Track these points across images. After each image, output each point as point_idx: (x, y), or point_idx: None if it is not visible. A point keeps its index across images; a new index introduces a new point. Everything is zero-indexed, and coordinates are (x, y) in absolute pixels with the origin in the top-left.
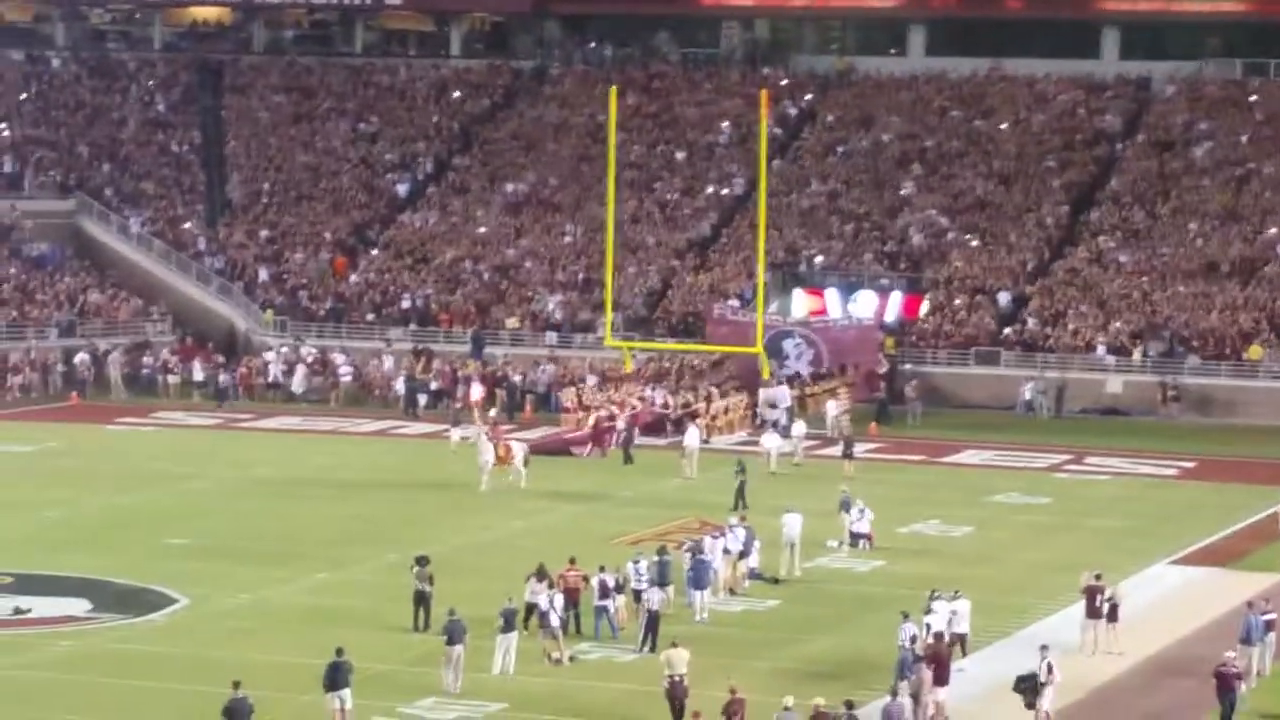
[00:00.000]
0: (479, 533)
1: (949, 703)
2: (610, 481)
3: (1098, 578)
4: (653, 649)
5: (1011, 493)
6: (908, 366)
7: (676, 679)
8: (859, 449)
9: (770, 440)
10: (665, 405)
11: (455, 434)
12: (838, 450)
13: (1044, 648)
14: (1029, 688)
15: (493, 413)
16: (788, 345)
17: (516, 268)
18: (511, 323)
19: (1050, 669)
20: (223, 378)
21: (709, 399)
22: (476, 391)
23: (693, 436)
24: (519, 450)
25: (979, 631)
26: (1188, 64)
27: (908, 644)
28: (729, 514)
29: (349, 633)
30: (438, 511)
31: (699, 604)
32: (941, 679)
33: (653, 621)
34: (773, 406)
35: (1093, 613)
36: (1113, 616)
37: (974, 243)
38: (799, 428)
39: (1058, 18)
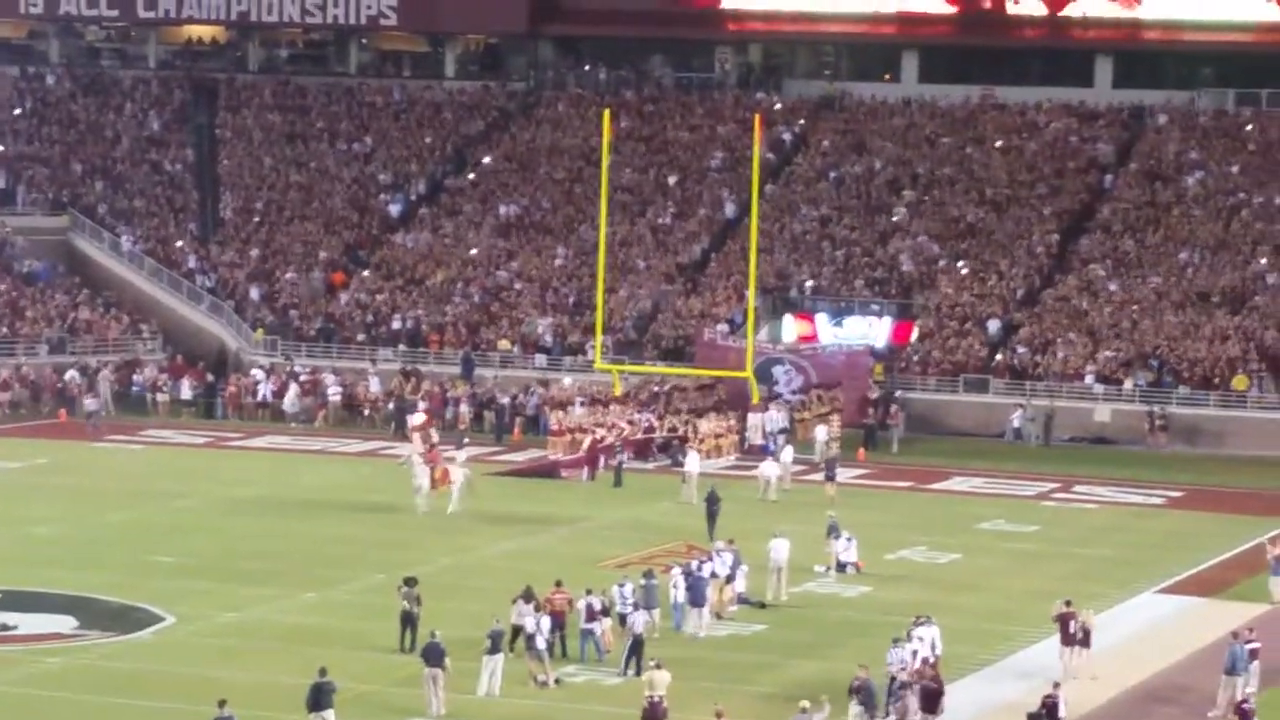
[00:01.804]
0: (466, 554)
1: None
2: (599, 504)
3: (1068, 604)
4: (637, 673)
5: (999, 520)
6: (900, 393)
7: (656, 699)
8: (847, 474)
9: (769, 468)
10: (652, 429)
11: (459, 456)
12: (822, 474)
13: (1056, 685)
14: None
15: (435, 435)
16: (778, 371)
17: (507, 290)
18: (504, 345)
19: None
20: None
21: (692, 423)
22: (419, 417)
23: (694, 461)
24: (459, 474)
25: (964, 659)
26: (1180, 93)
27: (897, 669)
28: (712, 539)
29: (335, 652)
30: (425, 533)
31: (700, 621)
32: (932, 708)
33: (636, 645)
34: (766, 431)
35: (1067, 639)
36: (1085, 642)
37: (964, 269)
38: (788, 453)
39: (1051, 46)
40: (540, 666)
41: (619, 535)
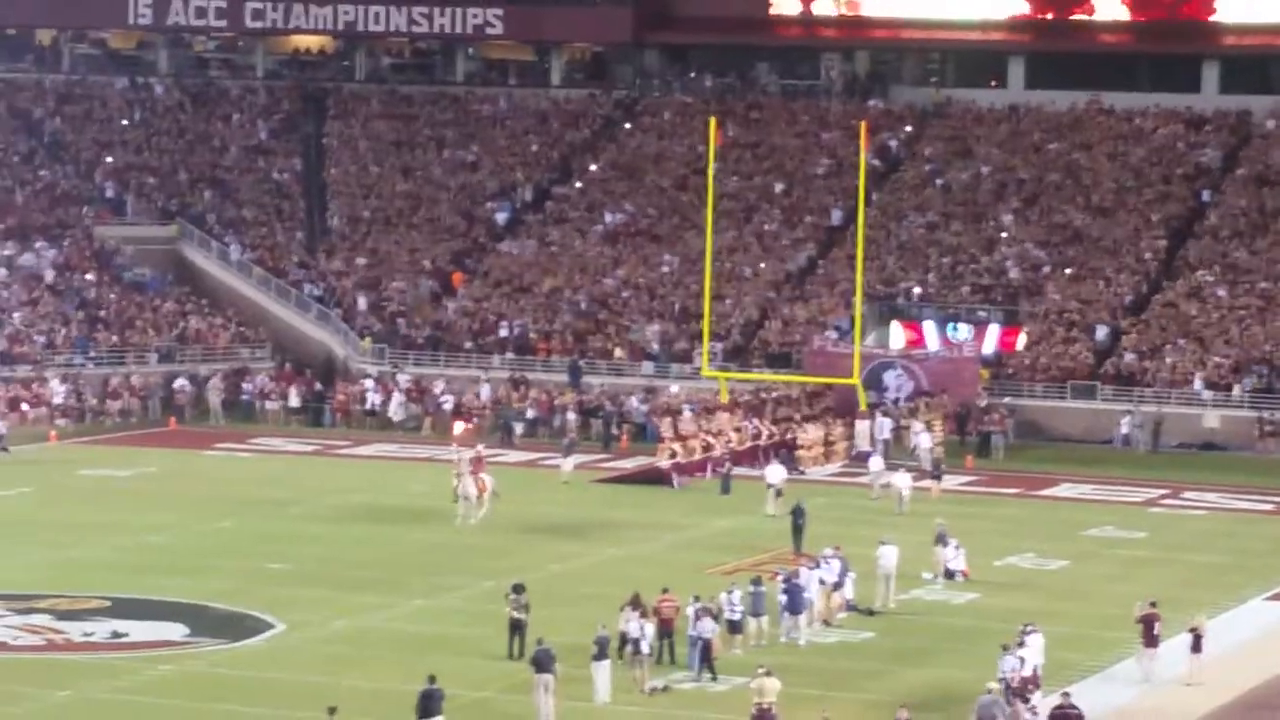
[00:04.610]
0: (574, 561)
1: None
2: (707, 511)
3: (1152, 605)
4: (713, 677)
5: (1107, 526)
6: (1007, 400)
7: (765, 706)
8: (955, 481)
9: (902, 479)
10: (758, 435)
11: (566, 464)
12: (927, 480)
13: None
14: None
15: (480, 447)
16: (888, 377)
17: (614, 297)
18: (618, 354)
19: None
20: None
21: (796, 430)
22: (461, 426)
23: (775, 473)
24: (489, 483)
25: (1073, 666)
26: None
27: (1007, 675)
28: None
29: (444, 659)
30: (533, 539)
31: (798, 626)
32: None
33: (705, 651)
34: (874, 438)
35: (1150, 641)
36: (1196, 647)
37: (1071, 276)
38: (875, 462)
39: (1158, 51)
40: (646, 674)
41: (727, 542)
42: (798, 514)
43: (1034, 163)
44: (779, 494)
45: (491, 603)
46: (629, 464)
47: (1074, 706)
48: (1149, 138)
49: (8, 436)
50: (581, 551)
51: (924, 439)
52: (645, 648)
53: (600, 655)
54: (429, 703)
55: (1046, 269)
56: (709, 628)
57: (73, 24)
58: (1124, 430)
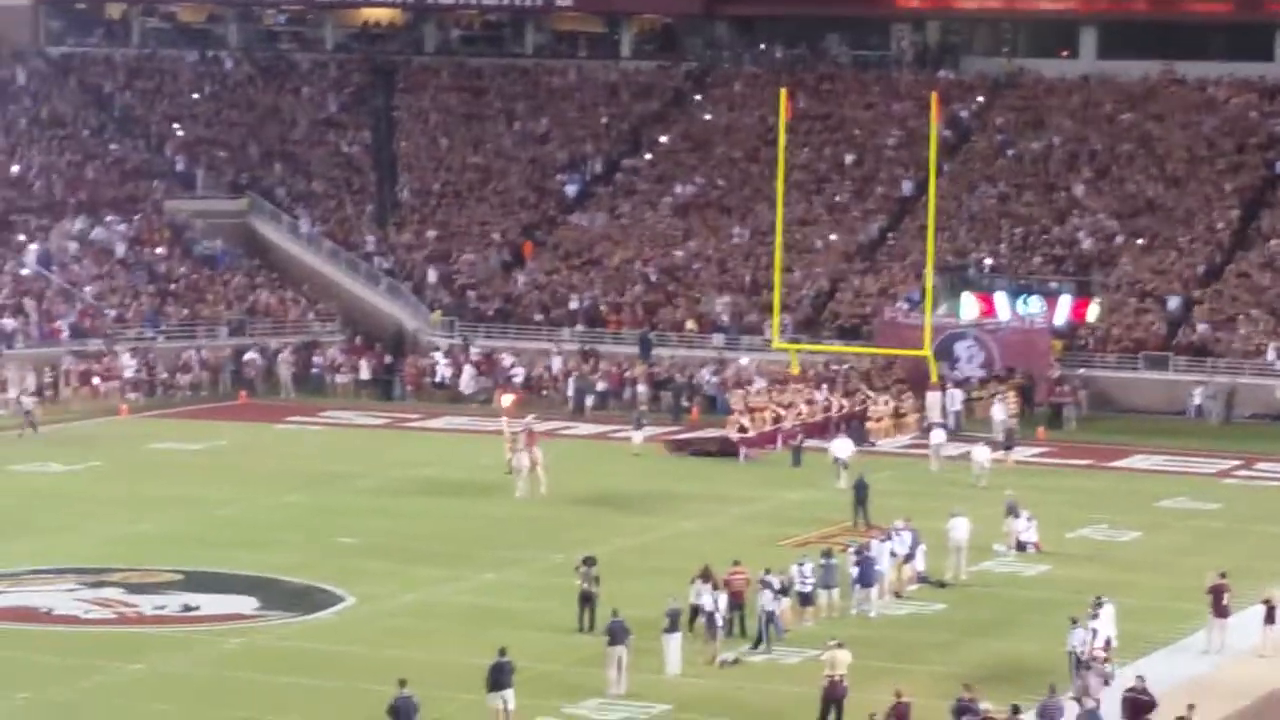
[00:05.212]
0: (643, 534)
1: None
2: (778, 484)
3: (1222, 576)
4: (767, 647)
5: (1180, 498)
6: (1081, 371)
7: (836, 679)
8: (1027, 452)
9: (981, 452)
10: (829, 408)
11: (637, 436)
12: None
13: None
14: None
15: (531, 418)
16: (960, 348)
17: (684, 269)
18: (690, 325)
19: None
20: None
21: (866, 402)
22: (509, 397)
23: (841, 447)
24: (539, 457)
25: (1147, 637)
26: None
27: (1078, 649)
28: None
29: (514, 633)
30: (603, 512)
31: (869, 599)
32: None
33: (768, 621)
34: (945, 409)
35: (1219, 612)
36: (1270, 619)
37: (1143, 246)
38: (937, 434)
39: (1231, 20)
40: (717, 646)
41: (797, 514)
42: (860, 488)
43: (1106, 133)
44: (845, 467)
45: (560, 576)
46: (701, 434)
47: (1146, 692)
48: (1222, 107)
49: (35, 414)
50: (651, 524)
51: (998, 410)
52: (719, 620)
53: (671, 628)
54: (499, 675)
55: (1119, 239)
56: (769, 600)
57: None
58: (1197, 401)
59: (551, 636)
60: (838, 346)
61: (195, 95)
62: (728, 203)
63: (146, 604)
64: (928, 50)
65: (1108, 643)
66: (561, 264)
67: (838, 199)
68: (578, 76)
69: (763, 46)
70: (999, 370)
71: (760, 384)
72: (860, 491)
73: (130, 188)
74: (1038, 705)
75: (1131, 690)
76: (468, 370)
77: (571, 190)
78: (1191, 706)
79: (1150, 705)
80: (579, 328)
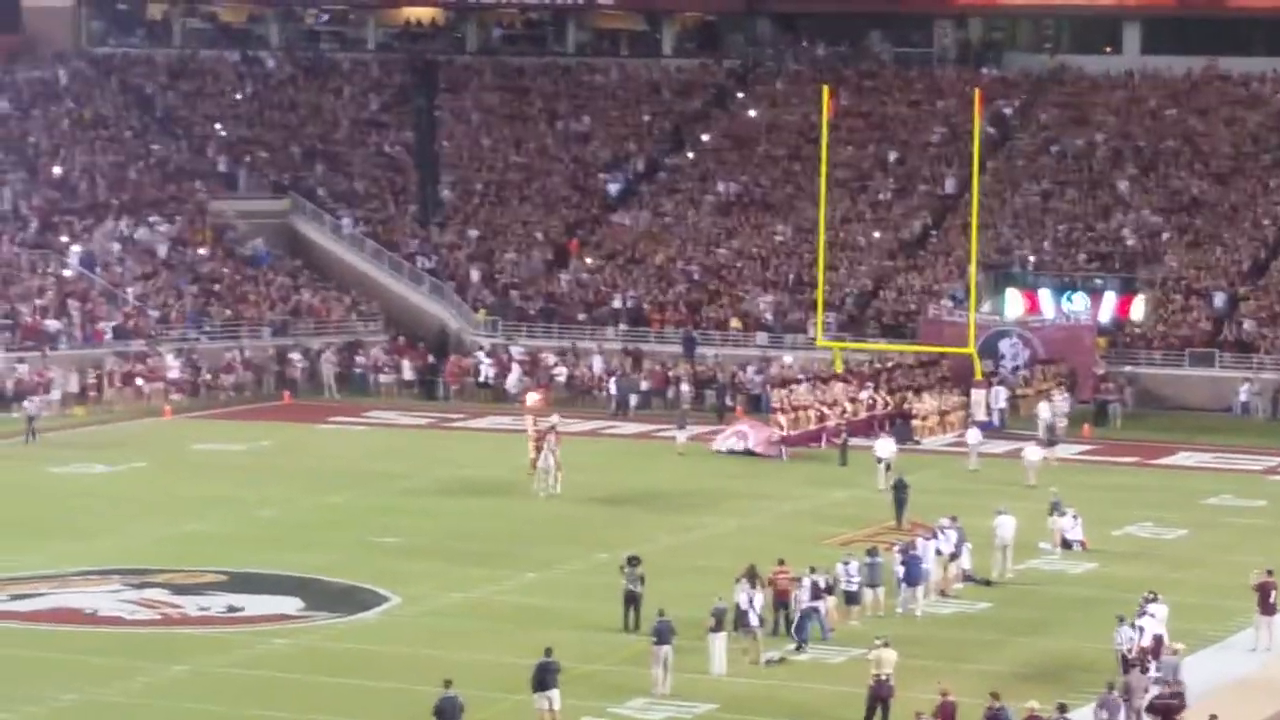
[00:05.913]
0: (688, 533)
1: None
2: (823, 482)
3: (1269, 573)
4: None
5: (1226, 495)
6: (1127, 368)
7: (882, 678)
8: (1072, 450)
9: (1033, 453)
10: (874, 406)
11: (681, 436)
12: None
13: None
14: None
15: (556, 417)
16: (1004, 345)
17: (727, 268)
18: (735, 324)
19: None
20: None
21: (911, 400)
22: (533, 396)
23: (884, 447)
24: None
25: (1193, 635)
26: None
27: (1124, 648)
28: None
29: (559, 633)
30: (647, 511)
31: (915, 598)
32: None
33: (804, 618)
34: (989, 407)
35: (1266, 609)
36: None
37: (1189, 243)
38: (974, 434)
39: (1275, 15)
40: (758, 645)
41: (841, 514)
42: (900, 488)
43: (1150, 129)
44: (888, 467)
45: (604, 575)
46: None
47: (1177, 695)
48: (1266, 103)
49: (39, 417)
50: (695, 523)
51: (1044, 409)
52: (754, 619)
53: (717, 627)
54: (545, 675)
55: (1164, 236)
56: (805, 598)
57: None
58: (1243, 398)
59: (596, 636)
60: (881, 344)
61: (237, 95)
62: (770, 201)
63: (191, 605)
64: (970, 47)
65: (1159, 640)
66: (605, 263)
67: (881, 197)
68: (619, 75)
69: (805, 44)
70: (1043, 362)
71: (806, 381)
72: (900, 492)
73: (172, 188)
74: (1099, 697)
75: (1160, 698)
76: (515, 370)
77: (614, 189)
78: (1213, 717)
79: (1179, 708)
80: (622, 327)
